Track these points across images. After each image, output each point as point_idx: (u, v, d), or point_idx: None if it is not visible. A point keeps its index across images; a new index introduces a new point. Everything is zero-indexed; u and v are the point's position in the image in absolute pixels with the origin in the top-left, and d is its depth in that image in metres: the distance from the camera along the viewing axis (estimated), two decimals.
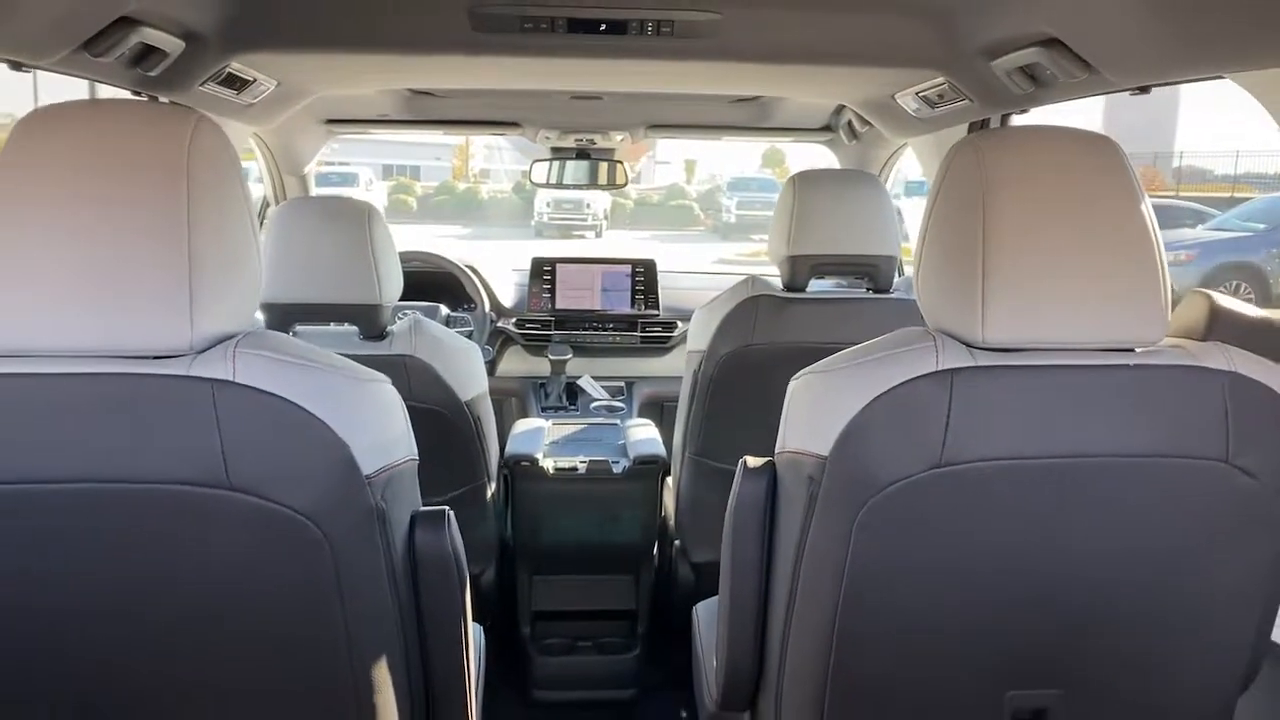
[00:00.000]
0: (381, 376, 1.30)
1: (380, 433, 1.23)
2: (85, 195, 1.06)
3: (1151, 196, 1.41)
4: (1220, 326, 1.70)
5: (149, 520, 1.07)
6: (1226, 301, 1.76)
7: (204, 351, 1.12)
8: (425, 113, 3.22)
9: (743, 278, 2.58)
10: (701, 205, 30.67)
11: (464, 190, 33.36)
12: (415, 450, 1.33)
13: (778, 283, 2.53)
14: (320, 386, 1.16)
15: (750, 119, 3.32)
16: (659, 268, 3.74)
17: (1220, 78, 1.58)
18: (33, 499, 1.04)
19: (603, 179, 3.76)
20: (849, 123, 3.14)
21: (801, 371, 1.41)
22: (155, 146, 1.09)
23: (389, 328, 2.21)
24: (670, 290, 3.70)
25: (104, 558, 1.08)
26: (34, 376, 1.06)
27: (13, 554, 1.06)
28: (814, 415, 1.33)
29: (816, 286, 2.56)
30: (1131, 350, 1.26)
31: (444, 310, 3.47)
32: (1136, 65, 1.62)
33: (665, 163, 39.64)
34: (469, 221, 26.84)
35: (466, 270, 3.60)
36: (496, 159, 38.13)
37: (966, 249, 1.23)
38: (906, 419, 1.22)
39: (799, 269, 2.43)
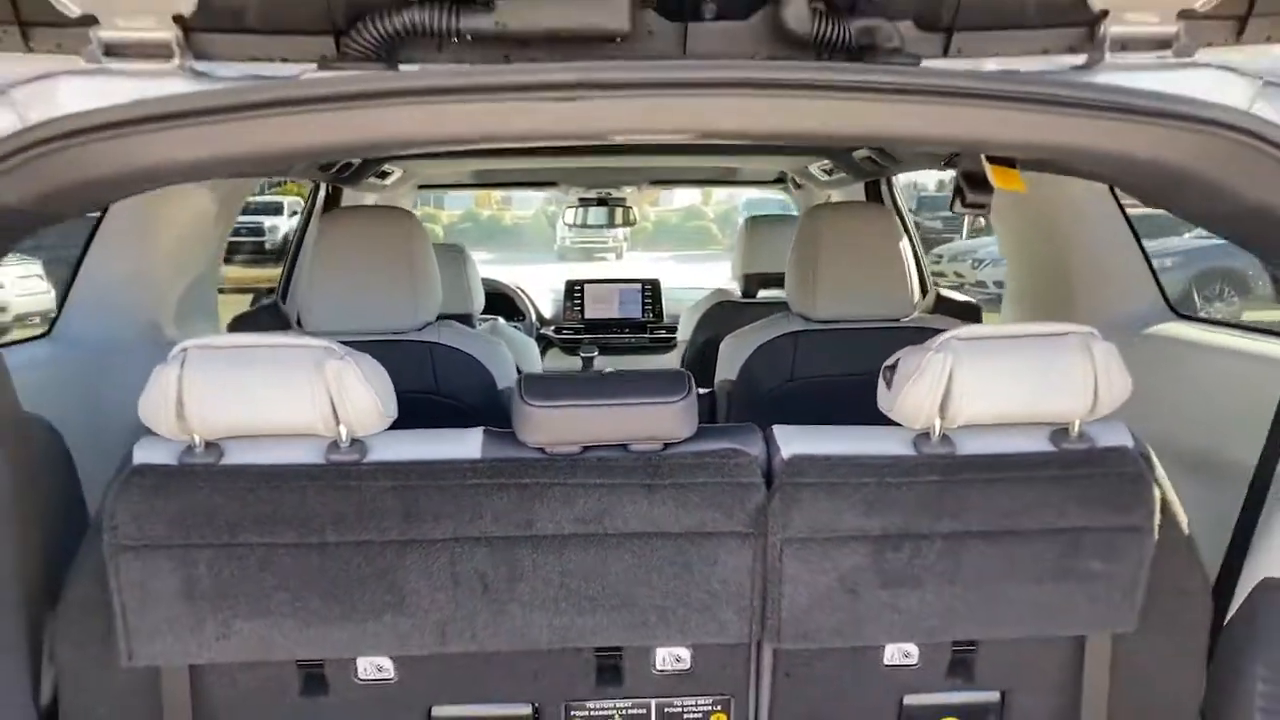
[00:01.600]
0: (500, 338, 2.49)
1: (504, 367, 2.41)
2: (369, 249, 2.26)
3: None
4: (942, 305, 2.89)
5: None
6: (947, 292, 2.97)
7: (420, 329, 2.31)
8: (487, 179, 4.46)
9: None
10: (719, 226, 31.86)
11: (487, 217, 34.71)
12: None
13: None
14: (476, 344, 2.35)
15: (724, 175, 4.55)
16: (664, 284, 4.95)
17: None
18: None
19: (618, 220, 5.07)
20: (792, 178, 4.37)
21: (727, 335, 2.59)
22: (397, 229, 2.29)
23: (479, 327, 3.41)
24: (671, 301, 4.89)
25: None
26: (361, 342, 2.19)
27: None
28: (729, 358, 2.51)
29: None
30: (896, 320, 2.43)
31: (501, 320, 4.68)
32: (920, 161, 2.82)
33: None
34: (493, 247, 28.10)
35: (518, 291, 4.83)
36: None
37: (807, 266, 2.40)
38: (774, 357, 2.40)
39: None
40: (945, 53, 1.33)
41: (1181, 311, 2.47)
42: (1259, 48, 1.32)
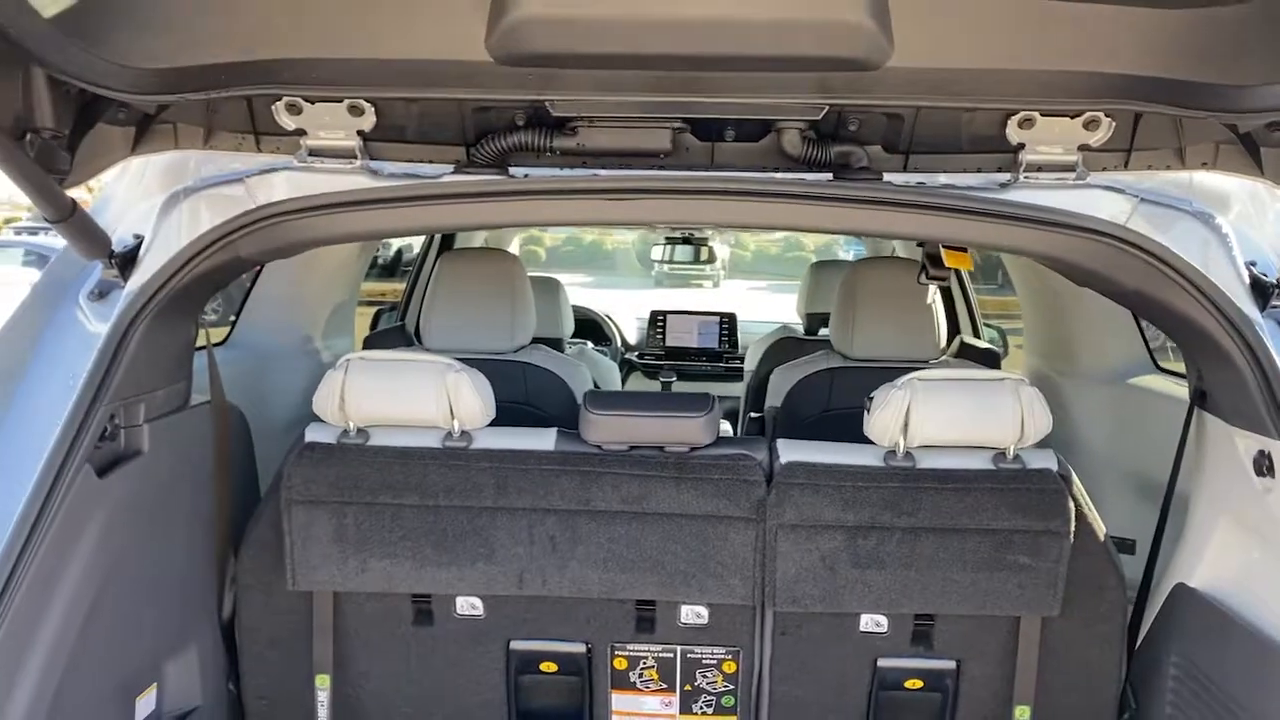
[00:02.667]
0: (584, 360, 3.02)
1: (583, 384, 2.94)
2: (479, 285, 2.81)
3: None
4: (965, 351, 3.31)
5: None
6: (969, 339, 3.38)
7: (517, 351, 2.86)
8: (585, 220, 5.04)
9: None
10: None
11: (590, 242, 35.53)
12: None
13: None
14: (562, 366, 2.88)
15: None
16: (746, 317, 5.45)
17: None
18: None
19: (702, 257, 5.64)
20: None
21: (775, 367, 3.07)
22: (501, 268, 2.85)
23: (568, 350, 3.94)
24: (747, 334, 5.37)
25: None
26: (470, 359, 2.73)
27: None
28: (777, 388, 2.99)
29: None
30: (925, 362, 2.87)
31: (589, 345, 5.22)
32: None
33: None
34: (593, 270, 28.85)
35: (605, 318, 5.38)
36: None
37: (847, 312, 2.87)
38: (813, 389, 2.87)
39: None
40: (904, 169, 1.80)
41: (1162, 366, 2.86)
42: (1141, 173, 1.76)
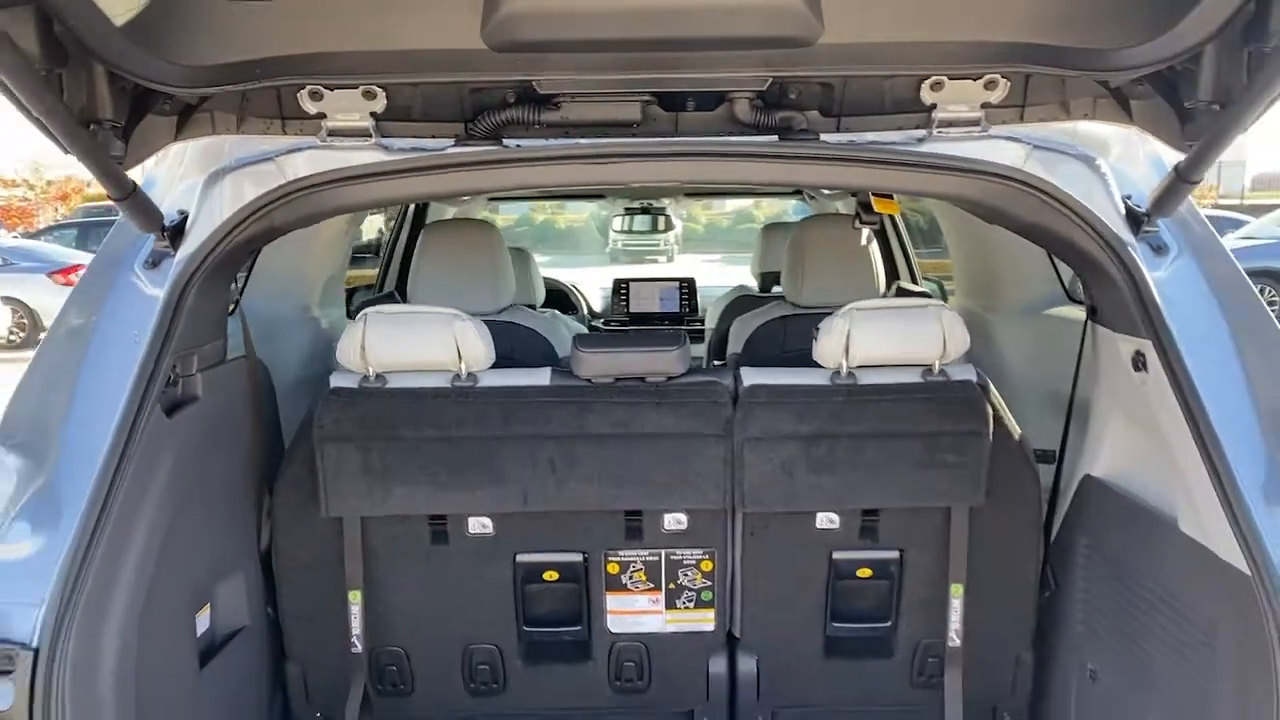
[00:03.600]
0: (559, 321, 3.33)
1: (562, 341, 3.25)
2: (463, 253, 3.12)
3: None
4: (901, 295, 3.66)
5: None
6: (905, 285, 3.73)
7: (500, 311, 3.16)
8: (547, 191, 5.33)
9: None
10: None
11: (542, 221, 35.72)
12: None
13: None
14: (541, 323, 3.19)
15: (750, 188, 5.37)
16: (708, 283, 5.80)
17: None
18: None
19: (660, 226, 5.99)
20: (806, 191, 5.17)
21: (736, 319, 3.41)
22: (482, 238, 3.16)
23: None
24: (707, 298, 5.71)
25: None
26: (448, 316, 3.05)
27: None
28: (737, 336, 3.33)
29: None
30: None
31: (558, 312, 5.53)
32: None
33: None
34: (548, 249, 29.08)
35: (572, 288, 5.70)
36: None
37: (796, 266, 3.21)
38: (770, 335, 3.20)
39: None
40: (837, 130, 2.14)
41: (1073, 296, 3.23)
42: (1034, 125, 2.12)
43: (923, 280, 4.89)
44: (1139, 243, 2.07)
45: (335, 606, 2.47)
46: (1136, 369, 2.10)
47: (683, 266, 25.93)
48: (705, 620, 2.52)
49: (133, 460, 1.90)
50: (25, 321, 16.44)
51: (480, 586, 2.50)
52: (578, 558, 2.49)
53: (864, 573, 2.51)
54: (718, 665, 2.57)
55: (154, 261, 2.09)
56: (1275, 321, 2.04)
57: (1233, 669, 1.82)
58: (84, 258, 18.33)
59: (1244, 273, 2.11)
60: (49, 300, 17.22)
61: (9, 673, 1.65)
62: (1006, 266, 3.38)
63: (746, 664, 2.57)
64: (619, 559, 2.49)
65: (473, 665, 2.54)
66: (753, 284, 4.88)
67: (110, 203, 1.97)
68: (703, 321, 5.60)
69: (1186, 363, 1.92)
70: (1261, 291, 16.35)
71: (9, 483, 1.86)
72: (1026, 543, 2.47)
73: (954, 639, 2.45)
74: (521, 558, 2.49)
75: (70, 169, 32.13)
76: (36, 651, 1.67)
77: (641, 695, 2.60)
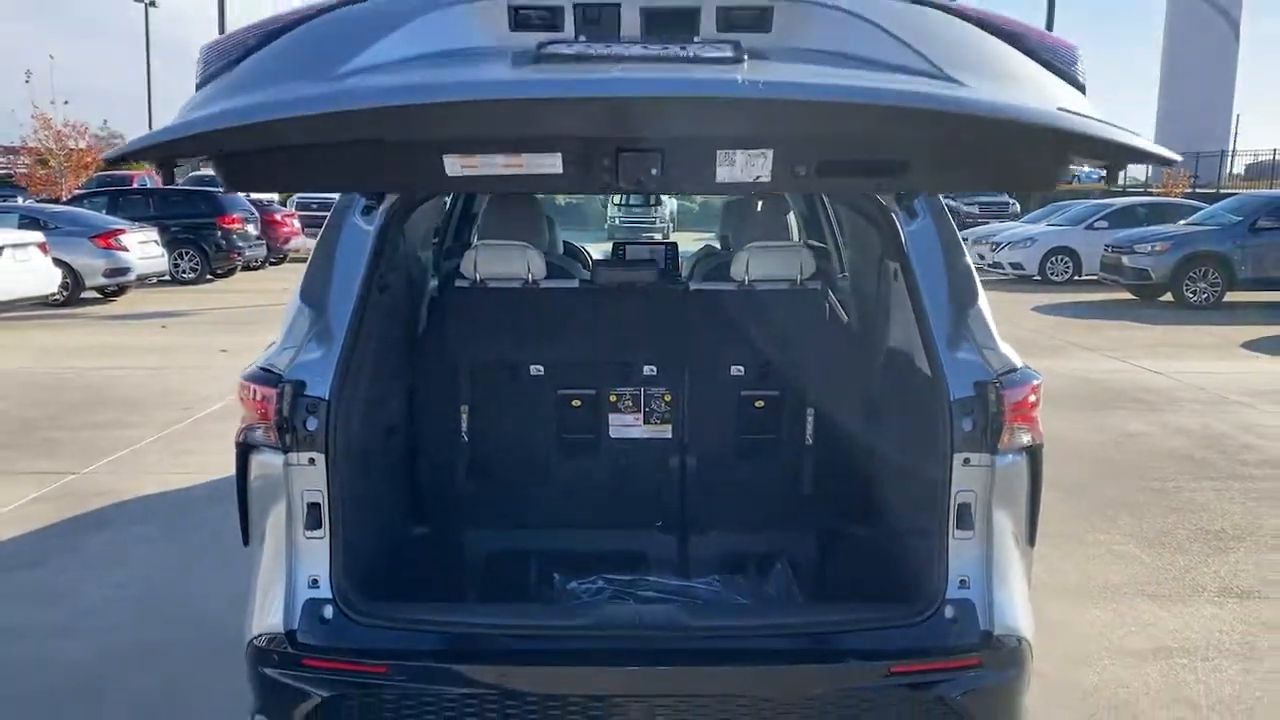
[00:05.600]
0: (576, 260, 5.10)
1: (579, 272, 5.01)
2: (523, 210, 4.87)
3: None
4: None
5: None
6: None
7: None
8: None
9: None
10: None
11: (541, 198, 37.23)
12: None
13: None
14: (564, 260, 4.95)
15: None
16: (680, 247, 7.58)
17: None
18: None
19: (651, 201, 7.75)
20: None
21: (698, 264, 5.18)
22: (531, 201, 4.92)
23: None
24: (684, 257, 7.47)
25: None
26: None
27: None
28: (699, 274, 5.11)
29: None
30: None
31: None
32: None
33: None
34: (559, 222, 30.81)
35: (581, 248, 7.46)
36: None
37: (726, 230, 4.97)
38: (716, 268, 4.98)
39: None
40: None
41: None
42: None
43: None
44: (901, 211, 3.82)
45: (454, 417, 4.22)
46: (895, 279, 3.85)
47: (677, 243, 28.06)
48: (666, 430, 4.30)
49: (361, 314, 3.64)
50: (69, 281, 17.99)
51: (535, 408, 4.27)
52: (593, 392, 4.26)
53: (759, 404, 4.28)
54: (674, 460, 4.34)
55: (366, 210, 3.82)
56: (969, 258, 3.76)
57: (925, 430, 3.58)
58: (120, 223, 20.03)
59: (957, 231, 3.84)
60: (91, 261, 18.93)
61: (316, 412, 3.37)
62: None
63: (690, 460, 4.34)
64: (616, 393, 4.26)
65: (530, 456, 4.31)
66: (717, 244, 6.66)
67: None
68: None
69: (916, 273, 3.66)
70: (1204, 274, 18.00)
71: (306, 322, 3.58)
72: (852, 384, 4.23)
73: (809, 440, 4.23)
74: (560, 392, 4.26)
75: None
76: (329, 402, 3.38)
77: (632, 484, 4.35)
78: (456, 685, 2.93)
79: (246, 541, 3.22)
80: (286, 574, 3.00)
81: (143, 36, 50.51)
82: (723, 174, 2.55)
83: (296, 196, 38.53)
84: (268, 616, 2.99)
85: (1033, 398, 3.08)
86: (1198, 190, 41.59)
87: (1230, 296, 19.61)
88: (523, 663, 2.95)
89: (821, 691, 2.95)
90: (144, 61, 50.65)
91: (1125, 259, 20.40)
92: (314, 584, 2.99)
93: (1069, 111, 2.24)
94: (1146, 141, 2.30)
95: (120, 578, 5.55)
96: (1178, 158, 2.42)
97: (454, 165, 2.51)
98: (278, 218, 27.22)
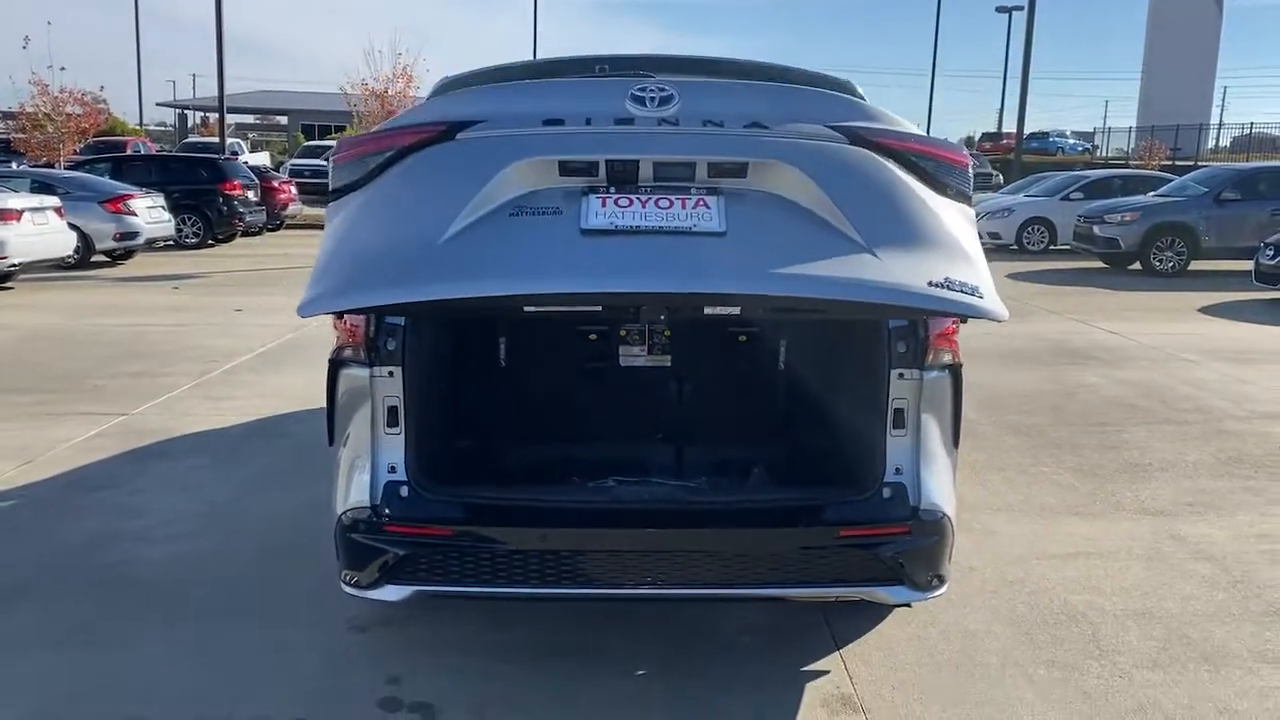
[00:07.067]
0: None
1: None
2: None
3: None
4: None
5: None
6: None
7: None
8: None
9: None
10: None
11: None
12: None
13: None
14: None
15: None
16: None
17: None
18: None
19: None
20: None
21: None
22: None
23: None
24: None
25: None
26: None
27: None
28: None
29: None
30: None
31: None
32: None
33: None
34: None
35: None
36: None
37: None
38: None
39: None
40: None
41: None
42: None
43: None
44: None
45: (493, 345, 5.05)
46: None
47: None
48: (665, 360, 5.14)
49: None
50: (80, 245, 18.67)
51: (560, 339, 5.10)
52: (606, 327, 5.09)
53: (742, 338, 5.14)
54: (672, 385, 5.19)
55: None
56: None
57: (869, 354, 4.42)
58: (129, 188, 20.72)
59: None
60: (102, 226, 19.62)
61: (395, 335, 4.11)
62: None
63: (685, 384, 5.17)
64: (626, 329, 5.10)
65: (555, 379, 5.15)
66: None
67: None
68: None
69: None
70: (1170, 244, 18.90)
71: None
72: (813, 320, 5.05)
73: (781, 367, 5.11)
74: (580, 327, 5.09)
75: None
76: (405, 327, 4.15)
77: (638, 404, 5.19)
78: (504, 544, 3.78)
79: (331, 441, 4.05)
80: (371, 462, 3.83)
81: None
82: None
83: (290, 164, 39.05)
84: (354, 495, 3.83)
85: (953, 325, 3.93)
86: (1177, 163, 42.52)
87: (1195, 265, 20.52)
88: (556, 525, 3.81)
89: (786, 548, 3.82)
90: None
91: (1096, 229, 21.28)
92: (392, 470, 3.83)
93: (935, 285, 3.29)
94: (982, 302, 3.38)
95: (184, 498, 6.38)
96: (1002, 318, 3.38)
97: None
98: (276, 184, 27.85)
